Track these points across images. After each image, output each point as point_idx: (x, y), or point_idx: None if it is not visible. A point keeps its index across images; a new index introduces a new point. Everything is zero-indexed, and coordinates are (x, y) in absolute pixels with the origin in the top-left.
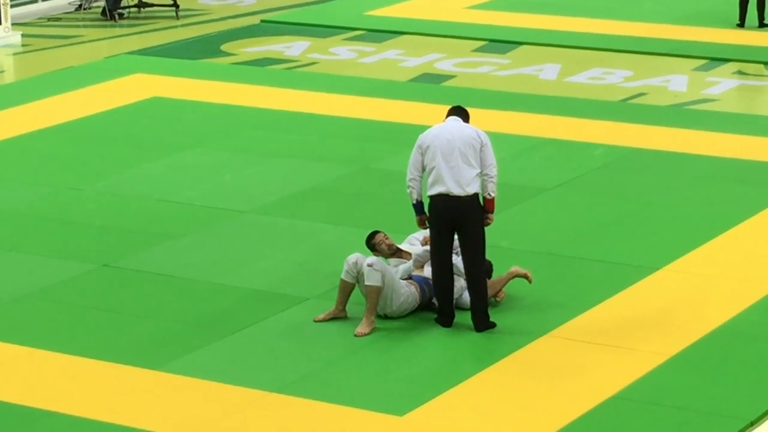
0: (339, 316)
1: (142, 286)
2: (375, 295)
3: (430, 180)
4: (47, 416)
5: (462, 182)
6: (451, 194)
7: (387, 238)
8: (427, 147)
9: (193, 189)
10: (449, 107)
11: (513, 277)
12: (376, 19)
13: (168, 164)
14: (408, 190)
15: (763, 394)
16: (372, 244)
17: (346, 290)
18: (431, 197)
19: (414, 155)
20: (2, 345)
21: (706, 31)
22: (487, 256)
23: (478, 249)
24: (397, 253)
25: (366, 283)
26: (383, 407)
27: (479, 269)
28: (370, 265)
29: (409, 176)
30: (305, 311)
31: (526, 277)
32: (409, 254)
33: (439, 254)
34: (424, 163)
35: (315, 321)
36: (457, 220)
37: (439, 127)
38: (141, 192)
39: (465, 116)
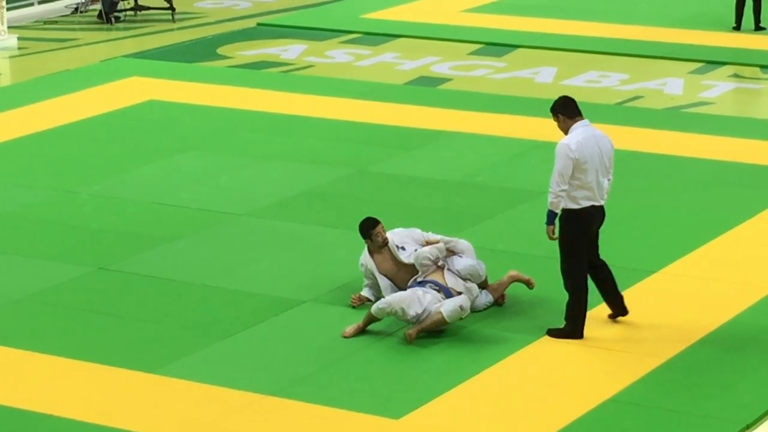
0: (362, 330)
1: (138, 289)
2: (440, 324)
3: (578, 194)
4: (43, 419)
5: (604, 194)
6: (598, 205)
7: (384, 231)
8: (585, 162)
9: (189, 192)
10: (557, 100)
11: (513, 282)
12: (372, 22)
13: (164, 167)
14: (554, 199)
15: (759, 397)
16: (369, 234)
17: (374, 321)
18: (581, 210)
19: (567, 166)
20: None
21: (702, 34)
22: (484, 260)
23: (598, 245)
24: (385, 245)
25: (445, 315)
26: (379, 410)
27: (604, 261)
28: (462, 308)
29: (560, 186)
30: (301, 314)
31: (528, 283)
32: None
33: (585, 264)
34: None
35: (344, 336)
36: (596, 227)
37: (585, 137)
38: (137, 195)
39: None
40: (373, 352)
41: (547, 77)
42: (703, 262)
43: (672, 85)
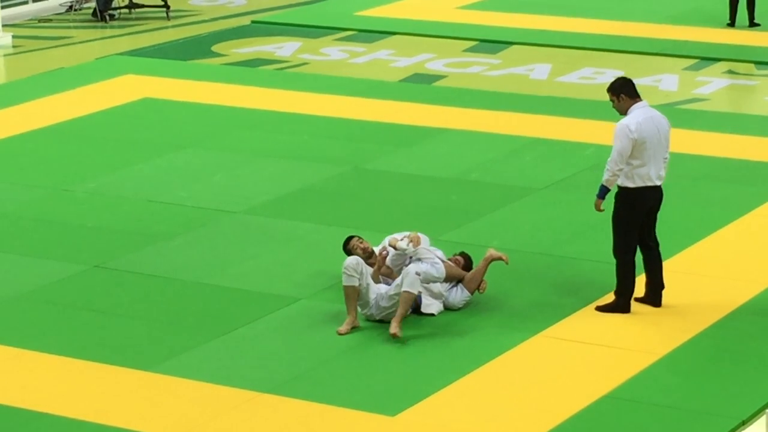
0: (356, 324)
1: (133, 287)
2: (411, 301)
3: (636, 173)
4: (38, 417)
5: (661, 174)
6: (652, 185)
7: (361, 242)
8: (644, 142)
9: (184, 189)
10: (617, 80)
11: (490, 263)
12: (366, 20)
13: (159, 165)
14: (611, 177)
15: (755, 393)
16: (347, 249)
17: (354, 296)
18: (635, 189)
19: (627, 145)
20: None
21: (696, 30)
22: (478, 257)
23: (655, 226)
24: (372, 256)
25: (408, 289)
26: (375, 407)
27: (658, 244)
28: (418, 274)
29: (618, 166)
30: (296, 312)
31: (501, 259)
32: (383, 259)
33: (633, 242)
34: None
35: (339, 334)
36: (652, 207)
37: (645, 118)
38: (132, 193)
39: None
40: (369, 350)
41: (541, 74)
42: (697, 258)
43: (667, 81)
